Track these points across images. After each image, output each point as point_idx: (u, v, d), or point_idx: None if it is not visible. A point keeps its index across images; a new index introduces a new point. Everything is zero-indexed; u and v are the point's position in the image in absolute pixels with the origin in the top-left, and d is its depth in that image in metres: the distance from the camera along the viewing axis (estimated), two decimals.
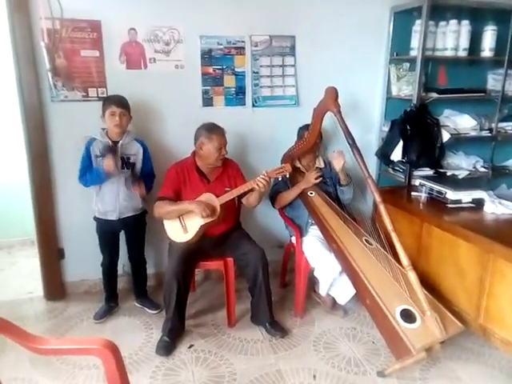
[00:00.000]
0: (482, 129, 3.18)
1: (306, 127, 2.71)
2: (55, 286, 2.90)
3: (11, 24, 2.49)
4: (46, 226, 2.80)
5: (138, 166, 2.58)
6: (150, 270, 2.92)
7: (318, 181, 2.67)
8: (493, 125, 3.15)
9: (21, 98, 2.60)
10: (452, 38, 2.96)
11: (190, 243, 2.43)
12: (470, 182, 3.03)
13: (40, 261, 2.86)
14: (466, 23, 2.94)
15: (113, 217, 2.56)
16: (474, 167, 3.23)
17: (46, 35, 2.53)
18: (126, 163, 2.52)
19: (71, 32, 2.58)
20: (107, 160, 2.40)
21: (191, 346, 2.41)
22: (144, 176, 2.59)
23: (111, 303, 2.75)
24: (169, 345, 2.36)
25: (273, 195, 2.78)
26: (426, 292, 2.09)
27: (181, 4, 2.73)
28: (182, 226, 2.44)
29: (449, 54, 3.00)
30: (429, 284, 2.42)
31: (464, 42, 2.98)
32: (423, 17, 2.77)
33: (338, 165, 2.65)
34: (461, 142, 3.19)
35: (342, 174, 2.70)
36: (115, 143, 2.49)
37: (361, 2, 2.99)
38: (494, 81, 3.20)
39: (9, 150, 3.55)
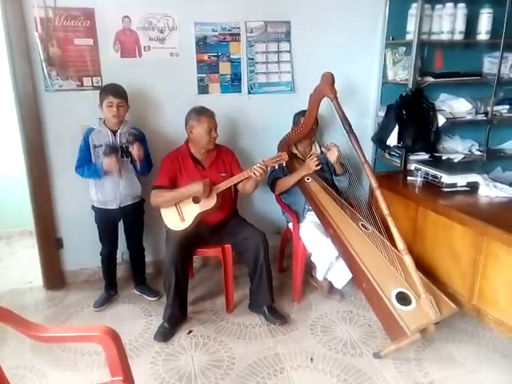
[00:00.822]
0: (477, 112, 3.18)
1: (301, 113, 2.71)
2: (54, 276, 2.92)
3: (4, 13, 2.46)
4: (44, 216, 2.81)
5: None
6: (149, 257, 2.95)
7: (318, 167, 2.67)
8: (488, 108, 3.15)
9: (15, 89, 2.59)
10: (448, 21, 2.94)
11: (188, 231, 2.44)
12: (465, 166, 3.05)
13: (39, 251, 2.88)
14: (462, 6, 2.92)
15: (113, 206, 2.57)
16: (470, 151, 3.24)
17: (40, 25, 2.51)
18: (126, 152, 2.51)
19: (64, 20, 2.56)
20: (109, 160, 2.40)
21: (190, 332, 2.45)
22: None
23: (111, 291, 2.78)
24: (168, 331, 2.40)
25: (272, 182, 2.79)
26: (421, 275, 2.13)
27: None
28: (179, 215, 2.46)
29: (445, 37, 2.98)
30: (424, 267, 2.46)
31: (460, 25, 2.96)
32: (419, 0, 2.75)
33: (332, 157, 2.67)
34: (456, 125, 3.19)
35: (337, 166, 2.71)
36: (113, 132, 2.49)
37: None
38: (489, 64, 3.19)
39: (5, 141, 3.54)
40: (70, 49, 2.62)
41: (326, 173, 2.85)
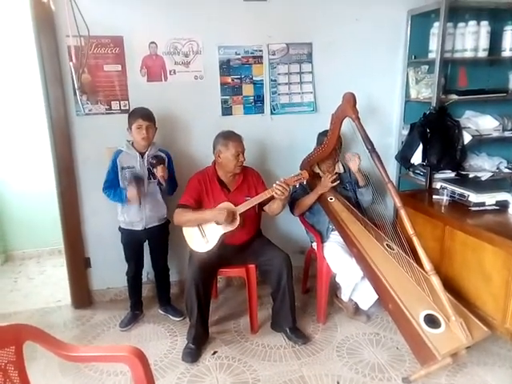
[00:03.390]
0: (504, 129, 3.12)
1: (325, 133, 2.72)
2: (82, 295, 2.98)
3: (38, 42, 2.60)
4: (73, 236, 2.89)
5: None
6: (173, 277, 2.97)
7: (334, 184, 2.67)
8: None
9: (48, 113, 2.70)
10: (471, 39, 2.92)
11: (211, 252, 2.45)
12: (494, 184, 2.97)
13: (67, 270, 2.96)
14: (485, 24, 2.91)
15: (139, 227, 2.62)
16: (498, 168, 3.17)
17: (74, 53, 2.62)
18: (153, 174, 2.57)
19: (95, 48, 2.68)
20: (131, 190, 2.47)
21: (215, 353, 2.44)
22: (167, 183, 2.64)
23: (136, 311, 2.81)
24: (194, 351, 2.40)
25: (291, 202, 2.79)
26: (450, 296, 2.07)
27: (199, 16, 2.79)
28: (203, 236, 2.47)
29: (468, 55, 2.96)
30: (453, 288, 2.39)
31: (484, 43, 2.94)
32: (441, 19, 2.76)
33: (353, 166, 2.68)
34: (483, 143, 3.13)
35: (359, 175, 2.71)
36: (142, 154, 2.56)
37: (377, 7, 3.00)
38: None
39: (37, 162, 3.68)
40: (100, 75, 2.73)
41: (349, 192, 2.84)
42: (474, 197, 2.66)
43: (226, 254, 2.53)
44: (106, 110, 2.78)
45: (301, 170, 2.76)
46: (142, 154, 2.56)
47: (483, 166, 3.17)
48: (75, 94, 2.68)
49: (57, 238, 3.01)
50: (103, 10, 2.64)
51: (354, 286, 2.56)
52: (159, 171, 2.50)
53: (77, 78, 2.61)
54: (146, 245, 2.75)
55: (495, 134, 3.10)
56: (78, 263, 2.94)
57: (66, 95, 2.69)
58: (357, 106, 2.38)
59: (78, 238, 2.90)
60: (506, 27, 2.96)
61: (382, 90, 3.16)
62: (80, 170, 2.82)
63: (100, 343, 2.56)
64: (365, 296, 2.55)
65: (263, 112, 3.04)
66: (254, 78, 2.98)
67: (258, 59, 2.96)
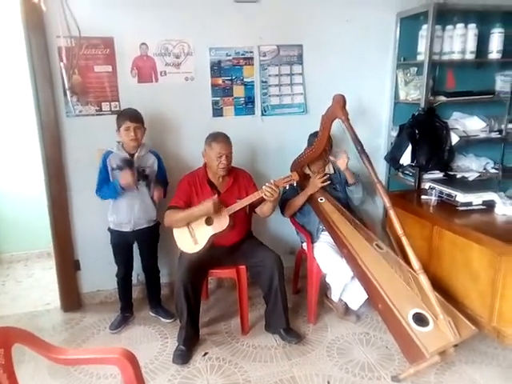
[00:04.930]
0: (491, 130, 3.17)
1: (315, 134, 2.73)
2: (72, 297, 2.95)
3: (28, 44, 2.58)
4: (62, 238, 2.86)
5: (153, 176, 2.63)
6: (164, 279, 2.96)
7: (324, 184, 2.69)
8: (502, 126, 3.13)
9: (38, 114, 2.67)
10: (459, 41, 2.96)
11: (201, 252, 2.45)
12: (481, 184, 3.03)
13: (56, 272, 2.92)
14: (472, 26, 2.95)
15: (127, 228, 2.61)
16: (485, 169, 3.21)
17: (65, 54, 2.61)
18: (142, 175, 2.57)
19: (85, 49, 2.66)
20: (125, 173, 2.45)
21: (206, 354, 2.44)
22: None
23: (126, 313, 2.79)
24: (185, 353, 2.39)
25: (282, 203, 2.81)
26: (438, 295, 2.10)
27: (190, 17, 2.79)
28: (192, 237, 2.47)
29: (456, 57, 3.00)
30: (441, 287, 2.42)
31: (471, 45, 2.98)
32: (429, 21, 2.79)
33: (342, 164, 2.70)
34: (471, 144, 3.17)
35: (347, 173, 2.73)
36: (131, 156, 2.55)
37: (367, 9, 3.02)
38: (502, 82, 3.19)
39: (26, 164, 3.64)
40: (90, 76, 2.71)
41: (339, 192, 2.86)
42: (461, 197, 2.70)
43: (217, 255, 2.53)
44: (97, 111, 2.76)
45: (291, 171, 2.78)
46: (131, 155, 2.55)
47: (470, 166, 3.21)
48: (65, 95, 2.67)
49: (46, 240, 2.98)
50: (94, 10, 2.62)
51: (344, 287, 2.57)
52: (156, 194, 2.59)
53: (67, 79, 2.60)
54: (136, 247, 2.74)
55: (482, 135, 3.14)
56: (68, 266, 2.91)
57: (55, 96, 2.67)
58: (347, 108, 2.40)
59: (68, 241, 2.87)
60: (492, 30, 3.00)
61: (371, 92, 3.19)
62: (70, 172, 2.80)
63: (90, 346, 2.54)
64: (354, 296, 2.56)
65: (254, 113, 3.04)
66: (244, 80, 2.99)
67: (249, 61, 2.97)
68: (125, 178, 2.45)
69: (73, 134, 2.75)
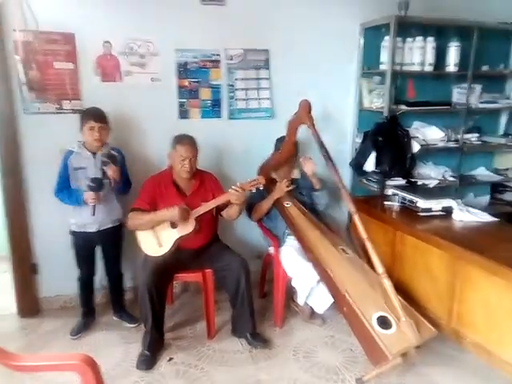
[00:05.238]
0: (449, 140, 3.30)
1: (282, 139, 2.76)
2: (29, 302, 2.83)
3: None
4: (19, 241, 2.74)
5: None
6: (128, 283, 2.89)
7: (289, 188, 2.72)
8: (459, 136, 3.27)
9: None
10: (418, 53, 3.07)
11: (166, 256, 2.42)
12: (440, 191, 3.15)
13: (13, 276, 2.79)
14: (431, 40, 3.07)
15: (92, 229, 2.53)
16: (443, 177, 3.34)
17: (21, 48, 2.50)
18: (106, 174, 2.48)
19: (45, 44, 2.56)
20: (88, 196, 2.37)
21: (171, 359, 2.39)
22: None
23: (88, 318, 2.70)
24: (149, 358, 2.34)
25: (249, 207, 2.81)
26: (400, 298, 2.15)
27: (156, 17, 2.75)
28: (157, 239, 2.43)
29: (416, 68, 3.11)
30: (403, 290, 2.49)
31: (430, 58, 3.10)
32: (391, 33, 2.88)
33: (308, 170, 2.73)
34: (430, 152, 3.31)
35: (314, 179, 2.77)
36: (93, 154, 2.47)
37: (333, 18, 3.09)
38: (458, 94, 3.33)
39: None
40: (50, 72, 2.62)
41: (305, 197, 2.89)
42: (422, 203, 2.80)
43: (182, 258, 2.49)
44: (57, 109, 2.67)
45: (258, 175, 2.77)
46: (94, 154, 2.48)
47: (430, 174, 3.34)
48: (21, 90, 2.56)
49: (1, 243, 2.83)
50: (54, 4, 2.55)
51: (310, 290, 2.60)
52: (110, 172, 2.42)
53: (23, 74, 2.49)
54: (98, 250, 2.65)
55: (440, 144, 3.27)
56: (25, 269, 2.78)
57: (11, 92, 2.56)
58: (312, 113, 2.44)
59: (25, 243, 2.75)
60: (449, 43, 3.14)
61: (336, 99, 3.26)
62: (28, 171, 2.69)
63: (48, 352, 2.42)
64: (320, 300, 2.59)
65: (220, 116, 3.03)
66: (211, 82, 2.98)
67: (216, 63, 2.96)
68: (89, 199, 2.38)
69: (30, 132, 2.65)
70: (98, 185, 2.38)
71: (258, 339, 2.51)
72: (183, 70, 2.89)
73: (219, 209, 2.56)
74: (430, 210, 2.81)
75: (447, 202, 2.83)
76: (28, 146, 2.66)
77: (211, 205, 2.45)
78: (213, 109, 3.01)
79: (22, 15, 2.48)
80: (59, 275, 2.78)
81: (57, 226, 2.66)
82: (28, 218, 2.74)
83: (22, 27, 2.49)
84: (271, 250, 2.80)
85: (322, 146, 2.38)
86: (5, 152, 2.61)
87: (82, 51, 2.65)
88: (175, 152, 2.45)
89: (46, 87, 2.62)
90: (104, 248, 2.65)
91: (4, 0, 2.41)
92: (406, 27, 2.98)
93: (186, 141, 2.46)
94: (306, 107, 2.44)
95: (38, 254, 2.81)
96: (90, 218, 2.48)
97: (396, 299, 2.11)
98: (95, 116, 2.43)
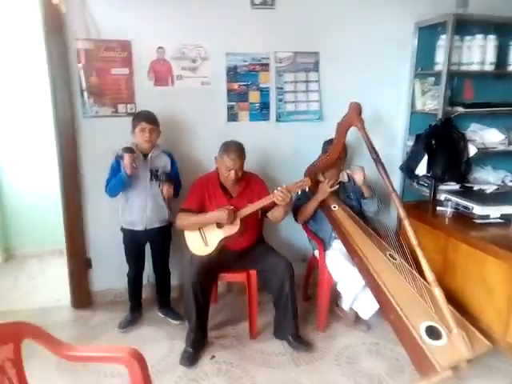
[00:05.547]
0: (510, 143, 3.12)
1: (330, 141, 2.71)
2: (82, 295, 2.98)
3: (47, 45, 2.63)
4: (75, 236, 2.89)
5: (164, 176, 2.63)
6: (174, 280, 2.96)
7: (332, 189, 2.68)
8: None
9: (55, 114, 2.72)
10: (478, 52, 2.94)
11: (211, 256, 2.46)
12: (499, 197, 2.96)
13: (68, 270, 2.96)
14: (492, 37, 2.92)
15: (139, 227, 2.62)
16: (503, 182, 3.16)
17: (83, 56, 2.66)
18: (155, 175, 2.58)
19: (104, 52, 2.70)
20: (125, 159, 2.45)
21: (213, 357, 2.43)
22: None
23: (135, 313, 2.80)
24: (192, 355, 2.38)
25: (295, 209, 2.79)
26: (452, 308, 2.05)
27: (207, 22, 2.82)
28: (203, 239, 2.48)
29: (475, 68, 2.98)
30: (455, 300, 2.37)
31: (490, 56, 2.95)
32: (448, 32, 2.78)
33: (359, 179, 2.68)
34: (488, 156, 3.13)
35: (364, 187, 2.71)
36: (145, 156, 2.57)
37: (385, 18, 3.01)
38: None
39: (42, 162, 3.71)
40: (108, 78, 2.75)
41: (352, 201, 2.83)
42: (478, 209, 2.65)
43: (227, 259, 2.53)
44: (113, 112, 2.80)
45: (305, 177, 2.76)
46: (145, 156, 2.57)
47: (488, 179, 3.17)
48: (82, 95, 2.71)
49: (59, 238, 3.01)
50: (112, 13, 2.67)
51: (355, 296, 2.54)
52: (165, 190, 2.56)
53: (85, 80, 2.65)
54: (147, 247, 2.75)
55: (501, 148, 3.10)
56: (79, 264, 2.94)
57: (73, 97, 2.71)
58: (362, 116, 2.39)
59: (80, 239, 2.90)
60: None
61: (387, 101, 3.17)
62: (85, 171, 2.83)
63: (98, 344, 2.54)
64: (365, 305, 2.53)
65: (269, 119, 3.05)
66: (260, 85, 3.00)
67: (265, 67, 2.98)
68: (125, 163, 2.45)
69: (88, 134, 2.79)
70: (127, 149, 2.47)
71: (300, 342, 2.49)
72: (233, 73, 2.93)
73: (265, 210, 2.57)
74: (487, 217, 2.64)
75: (507, 209, 2.65)
76: (86, 147, 2.81)
77: (257, 206, 2.47)
78: (261, 111, 3.03)
79: (84, 24, 2.63)
80: (111, 270, 2.92)
81: (110, 222, 2.78)
82: (84, 214, 2.88)
83: (84, 36, 2.64)
84: (316, 253, 2.77)
85: (372, 148, 2.32)
86: (65, 152, 2.77)
87: (137, 57, 2.76)
88: (222, 161, 2.48)
89: (103, 92, 2.75)
90: (152, 246, 2.75)
91: (67, 10, 2.56)
92: (464, 25, 2.85)
93: (232, 153, 2.44)
94: (356, 109, 2.39)
95: (92, 249, 2.95)
96: (137, 216, 2.59)
97: (447, 309, 2.00)
98: (146, 118, 2.52)
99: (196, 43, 2.83)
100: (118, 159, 2.53)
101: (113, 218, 2.73)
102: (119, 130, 2.71)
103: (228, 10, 2.83)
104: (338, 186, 2.73)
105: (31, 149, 3.74)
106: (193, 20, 2.80)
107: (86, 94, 2.71)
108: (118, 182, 2.52)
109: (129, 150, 2.49)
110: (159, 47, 2.79)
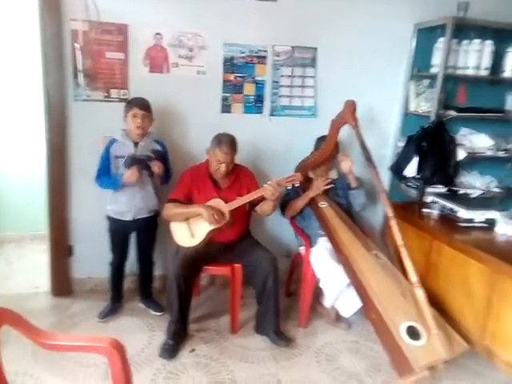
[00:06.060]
0: (498, 149, 3.15)
1: (323, 138, 2.71)
2: (62, 282, 2.92)
3: (41, 25, 2.55)
4: (58, 222, 2.83)
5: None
6: (157, 271, 2.93)
7: (326, 187, 2.67)
8: (509, 146, 3.11)
9: (45, 96, 2.65)
10: (474, 56, 2.94)
11: (197, 248, 2.44)
12: (483, 202, 3.00)
13: (49, 256, 2.89)
14: (489, 43, 2.93)
15: (128, 217, 2.58)
16: (488, 187, 3.19)
17: (81, 37, 2.59)
18: (145, 165, 2.53)
19: (100, 34, 2.64)
20: (132, 172, 2.42)
21: (193, 351, 2.41)
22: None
23: (116, 303, 2.77)
24: (172, 348, 2.37)
25: (283, 204, 2.79)
26: (432, 310, 2.07)
27: (207, 12, 2.77)
28: (189, 231, 2.46)
29: (470, 72, 2.98)
30: (436, 302, 2.40)
31: (486, 62, 2.96)
32: (447, 35, 2.77)
33: (345, 167, 2.68)
34: (476, 161, 3.15)
35: (351, 176, 2.71)
36: (135, 144, 2.52)
37: (385, 18, 3.00)
38: None
39: (29, 145, 3.61)
40: (102, 61, 2.69)
41: (341, 198, 2.83)
42: (464, 213, 2.68)
43: (212, 251, 2.51)
44: (105, 97, 2.74)
45: (296, 172, 2.75)
46: (135, 144, 2.53)
47: (474, 183, 3.19)
48: (76, 77, 2.65)
49: (40, 223, 2.94)
50: None
51: (338, 293, 2.55)
52: (156, 167, 2.49)
53: (81, 61, 2.58)
54: (132, 237, 2.71)
55: (489, 153, 3.11)
56: (61, 250, 2.88)
57: (64, 79, 2.64)
58: (356, 115, 2.38)
59: (63, 225, 2.84)
60: (508, 48, 2.98)
61: (382, 101, 3.17)
62: (72, 156, 2.78)
63: (76, 333, 2.50)
64: (347, 304, 2.54)
65: (262, 112, 3.02)
66: (256, 78, 2.97)
67: (262, 59, 2.95)
68: (130, 177, 2.43)
69: (78, 118, 2.73)
70: (133, 161, 2.43)
71: (282, 338, 2.50)
72: (229, 64, 2.90)
73: (253, 204, 2.56)
74: (471, 220, 2.68)
75: (491, 214, 2.69)
76: (75, 132, 2.74)
77: (246, 199, 2.45)
78: (255, 104, 3.01)
79: (84, 5, 2.56)
80: (93, 258, 2.87)
81: (95, 210, 2.74)
82: (68, 200, 2.83)
83: (82, 17, 2.57)
84: (302, 249, 2.77)
85: (364, 147, 2.32)
86: (53, 136, 2.70)
87: (133, 42, 2.71)
88: (213, 153, 2.45)
89: (96, 75, 2.69)
90: (138, 235, 2.71)
91: None
92: (463, 29, 2.85)
93: (224, 146, 2.42)
94: (351, 107, 2.39)
95: (75, 236, 2.89)
96: (126, 207, 2.55)
97: (428, 310, 2.02)
98: (139, 104, 2.48)
99: (194, 31, 2.79)
100: (117, 155, 2.49)
101: (98, 206, 2.67)
102: (110, 115, 2.67)
103: (230, 1, 2.79)
104: (332, 186, 2.72)
105: (17, 131, 3.62)
106: (193, 8, 2.75)
107: (80, 75, 2.64)
108: (112, 185, 2.51)
109: (137, 161, 2.45)
110: (157, 33, 2.74)
